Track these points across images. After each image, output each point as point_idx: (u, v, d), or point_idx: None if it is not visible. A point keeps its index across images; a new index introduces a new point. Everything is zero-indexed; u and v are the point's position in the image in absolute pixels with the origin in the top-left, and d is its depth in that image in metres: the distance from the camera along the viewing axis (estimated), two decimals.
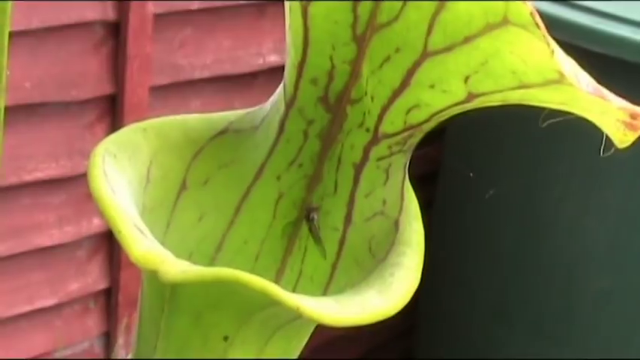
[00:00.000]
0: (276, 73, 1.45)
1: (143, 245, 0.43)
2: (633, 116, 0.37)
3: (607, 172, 1.41)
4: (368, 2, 0.41)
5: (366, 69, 0.44)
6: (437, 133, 1.68)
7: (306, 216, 0.48)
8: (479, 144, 1.54)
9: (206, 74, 1.39)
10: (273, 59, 1.45)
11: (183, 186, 0.50)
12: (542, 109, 0.43)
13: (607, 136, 0.41)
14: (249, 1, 1.40)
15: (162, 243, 0.46)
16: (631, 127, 0.38)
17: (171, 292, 0.45)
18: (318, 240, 0.48)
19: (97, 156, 0.46)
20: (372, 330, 1.73)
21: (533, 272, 1.49)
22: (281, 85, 0.48)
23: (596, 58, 1.34)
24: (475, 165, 1.52)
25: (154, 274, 0.43)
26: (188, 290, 0.44)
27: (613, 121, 0.39)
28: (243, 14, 1.41)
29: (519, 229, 1.51)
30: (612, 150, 0.40)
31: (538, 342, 1.48)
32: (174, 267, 0.42)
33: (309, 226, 0.48)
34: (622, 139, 0.39)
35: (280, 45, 1.45)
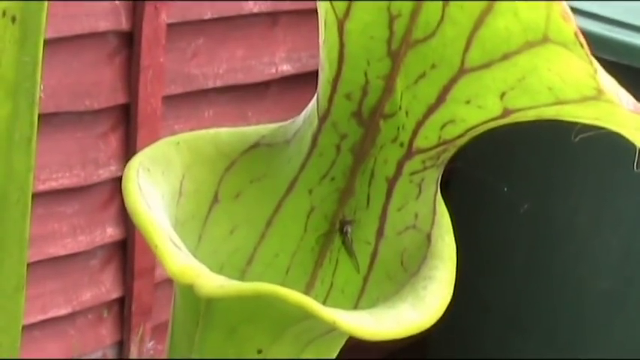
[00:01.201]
0: (288, 82, 1.46)
1: (180, 260, 0.43)
2: None
3: (620, 181, 1.41)
4: (404, 18, 0.42)
5: (400, 84, 0.44)
6: None
7: (340, 229, 0.48)
8: (492, 153, 1.54)
9: (219, 84, 1.40)
10: (285, 68, 1.45)
11: (215, 199, 0.50)
12: (574, 124, 0.44)
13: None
14: (262, 10, 1.40)
15: (194, 256, 0.47)
16: None
17: (207, 307, 0.45)
18: (351, 253, 0.48)
19: (132, 170, 0.46)
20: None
21: (546, 282, 1.49)
22: (314, 99, 0.48)
23: (606, 66, 1.35)
24: (488, 175, 1.52)
25: (189, 288, 0.43)
26: (223, 304, 0.44)
27: None
28: (256, 24, 1.42)
29: (533, 238, 1.51)
30: None
31: (552, 351, 1.48)
32: (210, 281, 0.42)
33: (343, 239, 0.48)
34: None
35: (293, 54, 1.45)
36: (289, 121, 0.50)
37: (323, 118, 0.47)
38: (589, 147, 1.41)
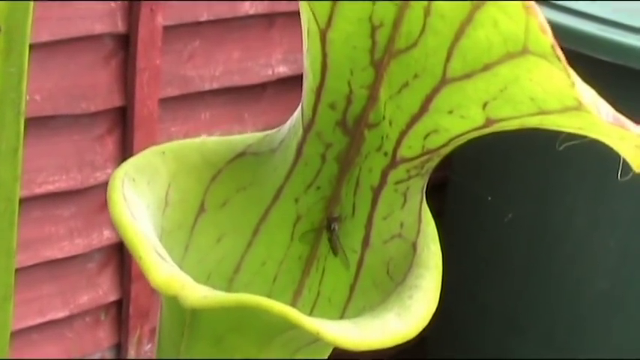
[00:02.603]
0: (285, 84, 1.46)
1: (164, 271, 0.43)
2: None
3: (617, 183, 1.41)
4: (386, 28, 0.41)
5: (384, 94, 0.44)
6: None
7: (327, 226, 0.48)
8: (489, 154, 1.54)
9: (215, 86, 1.40)
10: (282, 70, 1.45)
11: (201, 208, 0.50)
12: (560, 132, 0.44)
13: (624, 160, 0.41)
14: (259, 12, 1.40)
15: (181, 265, 0.47)
16: None
17: (192, 317, 0.45)
18: (339, 250, 0.48)
19: (117, 179, 0.46)
20: None
21: (544, 283, 1.49)
22: (299, 108, 0.48)
23: (601, 66, 1.35)
24: (484, 177, 1.52)
25: (174, 299, 0.43)
26: (208, 315, 0.44)
27: (632, 147, 0.39)
28: (252, 26, 1.42)
29: (530, 240, 1.51)
30: (630, 175, 0.40)
31: (550, 352, 1.48)
32: (194, 292, 0.42)
33: (330, 237, 0.48)
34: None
35: (289, 56, 1.45)
36: (275, 130, 0.50)
37: (308, 128, 0.47)
38: (585, 149, 1.40)
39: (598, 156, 1.44)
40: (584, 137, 0.43)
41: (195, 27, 1.36)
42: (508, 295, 1.53)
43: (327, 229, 0.48)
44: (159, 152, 0.50)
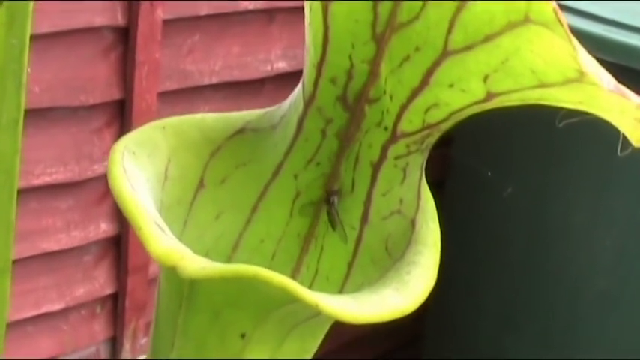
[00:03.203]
0: (284, 79, 1.46)
1: (163, 242, 0.43)
2: None
3: (616, 179, 1.41)
4: (388, 1, 0.42)
5: (385, 68, 0.44)
6: (445, 139, 1.68)
7: (327, 199, 0.48)
8: (488, 150, 1.54)
9: (214, 80, 1.40)
10: (281, 65, 1.45)
11: (200, 184, 0.50)
12: (557, 111, 0.44)
13: (624, 136, 0.42)
14: (258, 7, 1.40)
15: (180, 240, 0.47)
16: None
17: (190, 289, 0.45)
18: (337, 224, 0.48)
19: (117, 153, 0.46)
20: (377, 337, 1.73)
21: (541, 280, 1.49)
22: (300, 84, 0.48)
23: (605, 67, 1.35)
24: (483, 174, 1.52)
25: (172, 271, 0.43)
26: (206, 287, 0.44)
27: (631, 120, 0.39)
28: (252, 20, 1.42)
29: (527, 236, 1.51)
30: (629, 149, 0.40)
31: (545, 350, 1.48)
32: (193, 263, 0.42)
33: (329, 210, 0.48)
34: (639, 138, 0.39)
35: (289, 52, 1.46)
36: (275, 107, 0.50)
37: (308, 103, 0.47)
38: (584, 147, 1.41)
39: (597, 155, 1.44)
40: (585, 114, 0.43)
41: (195, 21, 1.36)
42: (504, 293, 1.53)
43: (326, 202, 0.48)
44: (159, 127, 0.50)
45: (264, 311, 0.45)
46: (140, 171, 0.47)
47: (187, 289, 0.45)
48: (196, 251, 0.46)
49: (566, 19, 1.37)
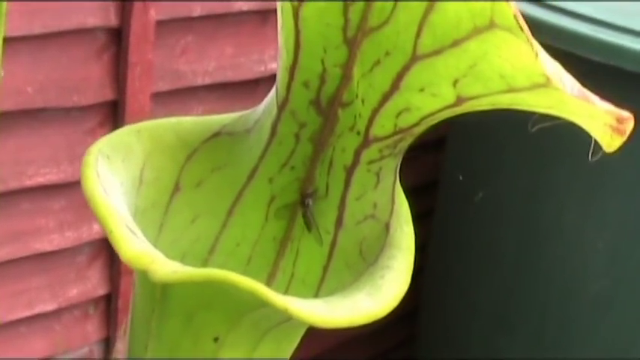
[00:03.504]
0: None
1: (134, 245, 0.43)
2: (619, 120, 0.37)
3: (608, 180, 1.41)
4: (359, 5, 0.42)
5: (357, 72, 0.44)
6: (437, 142, 1.69)
7: (301, 201, 0.48)
8: (480, 152, 1.54)
9: (208, 81, 1.40)
10: (275, 66, 1.45)
11: (176, 188, 0.50)
12: (532, 113, 0.44)
13: (595, 141, 0.41)
14: (252, 8, 1.40)
15: (155, 244, 0.46)
16: (618, 131, 0.38)
17: (162, 293, 0.45)
18: (313, 226, 0.48)
19: (91, 156, 0.46)
20: (371, 338, 1.73)
21: (533, 281, 1.49)
22: (273, 88, 0.48)
23: (595, 67, 1.35)
24: (476, 173, 1.52)
25: (144, 274, 0.43)
26: (178, 291, 0.44)
27: (600, 125, 0.39)
28: (246, 21, 1.42)
29: (520, 237, 1.51)
30: (600, 154, 0.40)
31: (539, 350, 1.48)
32: (164, 267, 0.42)
33: (304, 212, 0.48)
34: (609, 143, 0.39)
35: None
36: (250, 110, 0.50)
37: (282, 107, 0.47)
38: (576, 149, 1.41)
39: (588, 155, 1.44)
40: (557, 119, 0.43)
41: (188, 22, 1.36)
42: (498, 293, 1.53)
43: (301, 204, 0.48)
44: (134, 131, 0.50)
45: (237, 315, 0.45)
46: (114, 175, 0.47)
47: (160, 292, 0.45)
48: (172, 255, 0.46)
49: (556, 19, 1.37)
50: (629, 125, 0.37)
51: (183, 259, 0.51)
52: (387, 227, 0.47)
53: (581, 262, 1.45)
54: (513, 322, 1.51)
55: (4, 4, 0.44)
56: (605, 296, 1.43)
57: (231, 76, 1.42)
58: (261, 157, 0.49)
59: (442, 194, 1.60)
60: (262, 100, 1.57)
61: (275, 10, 1.47)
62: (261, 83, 1.46)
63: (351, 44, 0.43)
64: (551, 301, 1.47)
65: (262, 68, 1.44)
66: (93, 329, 1.39)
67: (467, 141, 1.53)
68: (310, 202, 0.48)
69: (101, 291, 1.38)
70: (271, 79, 1.47)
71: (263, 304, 0.42)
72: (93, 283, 1.38)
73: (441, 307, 1.58)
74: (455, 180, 1.54)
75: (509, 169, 1.50)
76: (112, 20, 1.29)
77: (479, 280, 1.55)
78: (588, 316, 1.45)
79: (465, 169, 1.52)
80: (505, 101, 0.40)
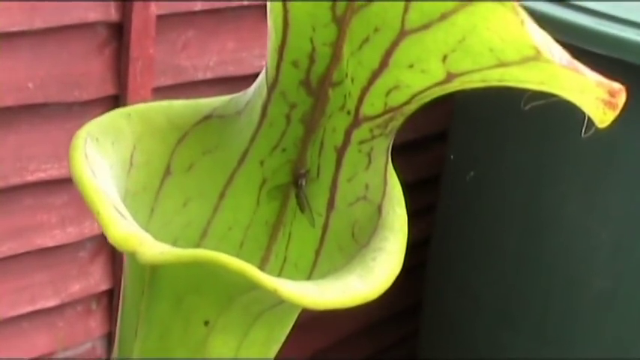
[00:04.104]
0: None
1: (122, 227, 0.42)
2: (612, 94, 0.37)
3: (610, 173, 1.41)
4: None
5: (346, 51, 0.43)
6: (439, 135, 1.68)
7: (294, 182, 0.47)
8: (482, 145, 1.53)
9: (209, 76, 1.39)
10: None
11: (167, 171, 0.50)
12: (525, 91, 0.43)
13: (589, 117, 0.41)
14: (253, 2, 1.40)
15: (146, 228, 0.46)
16: (610, 105, 0.37)
17: (151, 275, 0.44)
18: (306, 206, 0.47)
19: (79, 138, 0.46)
20: (373, 334, 1.72)
21: (536, 275, 1.49)
22: (263, 69, 0.47)
23: (599, 60, 1.34)
24: (478, 167, 1.51)
25: (133, 257, 0.43)
26: (168, 273, 0.44)
27: (592, 99, 0.38)
28: (247, 16, 1.41)
29: (522, 232, 1.50)
30: (593, 130, 0.40)
31: (541, 345, 1.47)
32: (152, 248, 0.42)
33: (297, 193, 0.47)
34: (602, 118, 0.39)
35: None
36: (241, 93, 0.50)
37: (272, 88, 0.46)
38: (579, 140, 1.40)
39: (592, 149, 1.43)
40: (549, 96, 0.42)
41: (189, 17, 1.36)
42: (500, 289, 1.52)
43: (294, 185, 0.47)
44: (124, 114, 0.49)
45: (227, 298, 0.44)
46: (103, 158, 0.46)
47: (149, 275, 0.44)
48: (164, 239, 0.45)
49: (560, 12, 1.37)
50: (622, 98, 0.37)
51: (174, 243, 0.51)
52: (379, 209, 0.46)
53: (584, 256, 1.44)
54: (516, 317, 1.51)
55: None
56: (609, 290, 1.42)
57: (232, 70, 1.41)
58: (252, 139, 0.48)
59: (444, 189, 1.59)
60: None
61: None
62: None
63: (340, 22, 0.42)
64: (555, 295, 1.46)
65: (263, 63, 1.43)
66: (95, 325, 1.39)
67: (469, 135, 1.52)
68: (303, 183, 0.47)
69: (103, 286, 1.38)
70: None
71: (253, 286, 0.41)
72: (95, 279, 1.37)
73: (443, 302, 1.57)
74: (457, 174, 1.53)
75: (512, 162, 1.50)
76: (113, 15, 1.29)
77: (481, 275, 1.54)
78: (592, 311, 1.44)
79: (467, 163, 1.51)
80: (495, 77, 0.40)
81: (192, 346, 0.46)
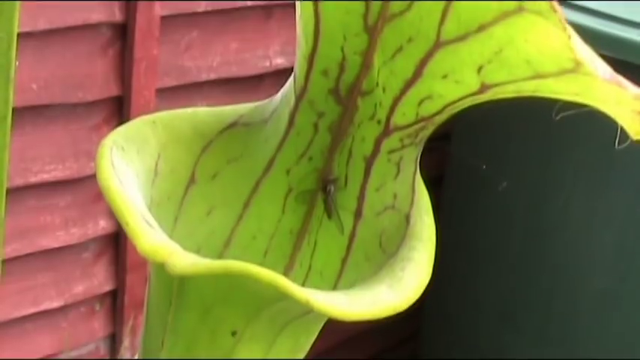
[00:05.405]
0: (282, 75, 1.45)
1: (151, 237, 0.42)
2: None
3: (614, 174, 1.40)
4: None
5: (377, 60, 0.43)
6: (442, 137, 1.68)
7: (323, 188, 0.47)
8: (485, 147, 1.53)
9: (213, 76, 1.39)
10: (279, 62, 1.44)
11: (191, 180, 0.49)
12: (554, 103, 0.43)
13: (622, 129, 0.41)
14: (257, 3, 1.40)
15: (170, 237, 0.46)
16: None
17: (179, 286, 0.44)
18: (334, 212, 0.47)
19: (105, 147, 0.45)
20: (375, 335, 1.72)
21: (539, 276, 1.49)
22: (291, 77, 0.47)
23: (603, 61, 1.34)
24: (481, 172, 1.51)
25: (161, 267, 0.42)
26: (196, 284, 0.44)
27: (628, 112, 0.38)
28: (250, 16, 1.41)
29: (526, 232, 1.50)
30: (628, 142, 0.40)
31: (544, 346, 1.47)
32: (182, 259, 0.41)
33: (325, 198, 0.47)
34: (638, 130, 0.38)
35: (287, 48, 1.45)
36: (267, 100, 0.49)
37: (300, 96, 0.46)
38: (583, 142, 1.40)
39: (596, 150, 1.43)
40: (582, 106, 0.42)
41: (193, 17, 1.36)
42: (502, 289, 1.52)
43: (322, 191, 0.47)
44: (149, 122, 0.49)
45: (255, 309, 0.44)
46: (129, 166, 0.46)
47: (177, 286, 0.44)
48: (187, 248, 0.45)
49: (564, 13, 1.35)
50: None
51: (198, 252, 0.50)
52: (407, 218, 0.46)
53: (588, 257, 1.44)
54: (518, 318, 1.51)
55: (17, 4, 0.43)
56: (612, 291, 1.42)
57: (235, 71, 1.41)
58: (279, 147, 0.48)
59: (447, 190, 1.59)
60: (267, 95, 1.55)
61: (279, 6, 1.46)
62: (266, 78, 1.45)
63: (372, 31, 0.42)
64: (557, 296, 1.46)
65: (267, 63, 1.43)
66: (99, 326, 1.39)
67: (472, 136, 1.52)
68: (332, 189, 0.47)
69: (107, 287, 1.38)
70: (276, 74, 1.47)
71: (283, 296, 0.41)
72: (99, 280, 1.37)
73: (445, 302, 1.57)
74: (460, 175, 1.53)
75: (515, 163, 1.50)
76: (117, 16, 1.28)
77: (483, 275, 1.54)
78: (595, 312, 1.44)
79: (470, 164, 1.51)
80: (530, 88, 0.40)
81: (218, 357, 0.46)
